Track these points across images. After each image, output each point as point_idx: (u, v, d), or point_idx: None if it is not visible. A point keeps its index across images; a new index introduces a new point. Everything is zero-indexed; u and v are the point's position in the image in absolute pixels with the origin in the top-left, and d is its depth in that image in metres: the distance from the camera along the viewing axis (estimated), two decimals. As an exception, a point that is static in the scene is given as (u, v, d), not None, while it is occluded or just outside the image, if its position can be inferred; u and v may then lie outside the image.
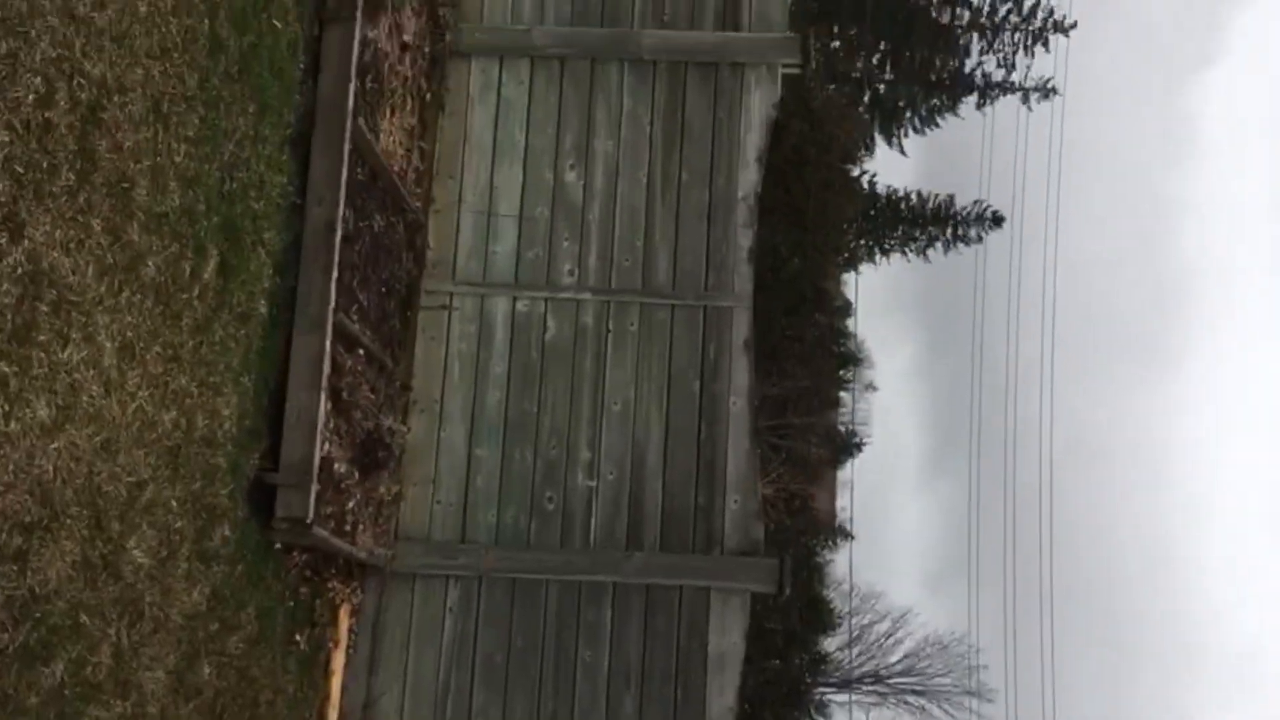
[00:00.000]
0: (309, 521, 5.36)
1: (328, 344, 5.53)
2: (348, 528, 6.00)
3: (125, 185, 3.97)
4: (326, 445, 5.66)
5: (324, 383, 5.51)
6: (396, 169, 6.64)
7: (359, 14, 5.82)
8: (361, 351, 6.18)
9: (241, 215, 4.92)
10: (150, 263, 4.18)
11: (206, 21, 4.49)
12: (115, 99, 3.86)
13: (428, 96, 7.08)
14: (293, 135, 5.44)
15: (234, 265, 4.87)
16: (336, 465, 5.83)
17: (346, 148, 5.71)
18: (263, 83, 5.06)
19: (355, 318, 6.07)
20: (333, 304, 5.57)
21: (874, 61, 29.67)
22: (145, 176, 4.09)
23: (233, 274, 4.86)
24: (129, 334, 4.08)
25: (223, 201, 4.74)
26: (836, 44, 28.64)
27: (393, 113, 6.64)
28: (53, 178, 3.56)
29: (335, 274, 5.61)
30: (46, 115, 3.50)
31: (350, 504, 6.02)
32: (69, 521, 3.77)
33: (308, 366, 5.51)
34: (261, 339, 5.18)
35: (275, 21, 5.17)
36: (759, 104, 7.19)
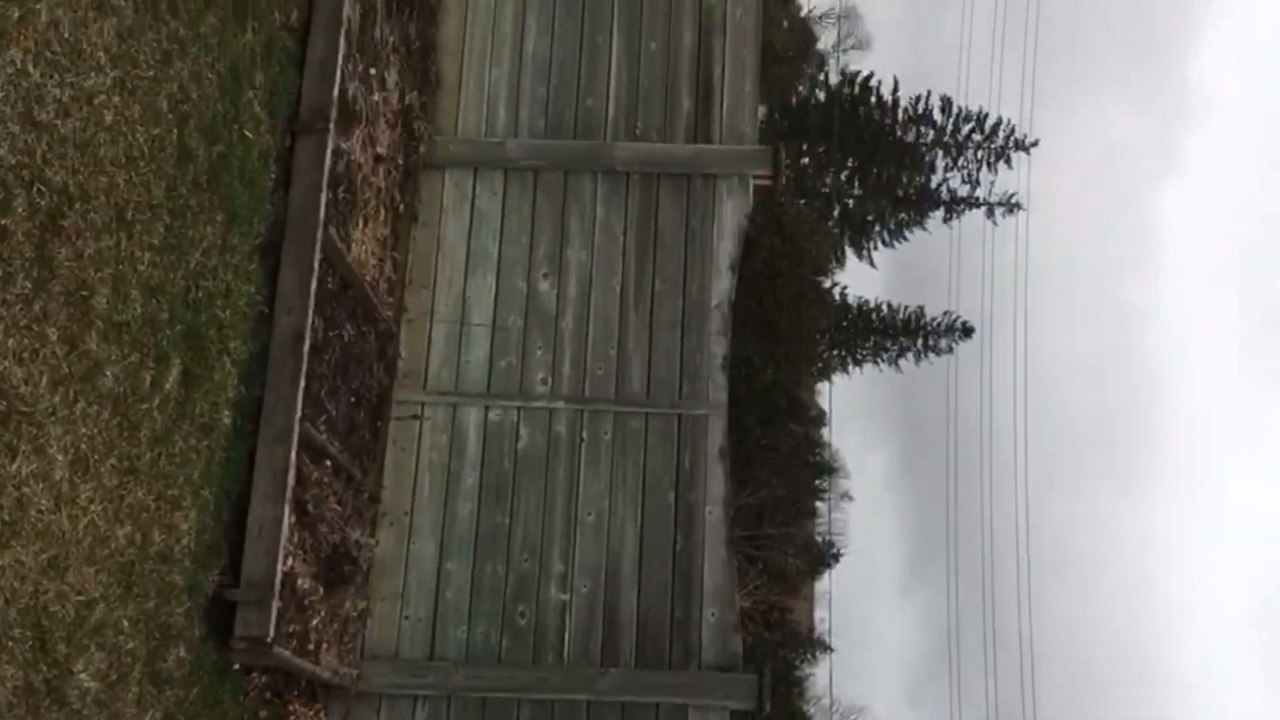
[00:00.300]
0: (269, 640, 5.15)
1: (293, 455, 5.40)
2: (311, 646, 5.78)
3: (84, 293, 3.89)
4: (290, 560, 5.48)
5: (288, 495, 5.36)
6: (368, 279, 6.60)
7: (331, 126, 5.84)
8: (329, 463, 6.05)
9: (207, 324, 4.83)
10: (108, 372, 4.08)
11: (175, 131, 4.46)
12: (77, 206, 3.80)
13: (401, 207, 7.09)
14: (262, 244, 5.39)
15: (197, 375, 4.76)
16: (300, 581, 5.64)
17: (317, 257, 5.67)
18: (232, 192, 5.03)
19: (323, 428, 5.94)
20: (299, 414, 5.45)
21: (842, 178, 30.32)
22: (106, 285, 4.01)
23: (196, 384, 4.75)
24: (83, 446, 3.94)
25: (187, 310, 4.66)
26: (806, 161, 29.28)
27: (365, 223, 6.63)
28: (7, 285, 3.47)
29: (303, 383, 5.50)
30: (3, 222, 3.43)
31: (314, 621, 5.81)
32: (11, 644, 3.59)
33: (272, 478, 5.37)
34: (224, 450, 5.05)
35: (247, 132, 5.17)
36: (731, 213, 7.24)
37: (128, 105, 4.09)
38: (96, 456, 4.05)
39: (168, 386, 4.51)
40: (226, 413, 5.05)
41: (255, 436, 5.33)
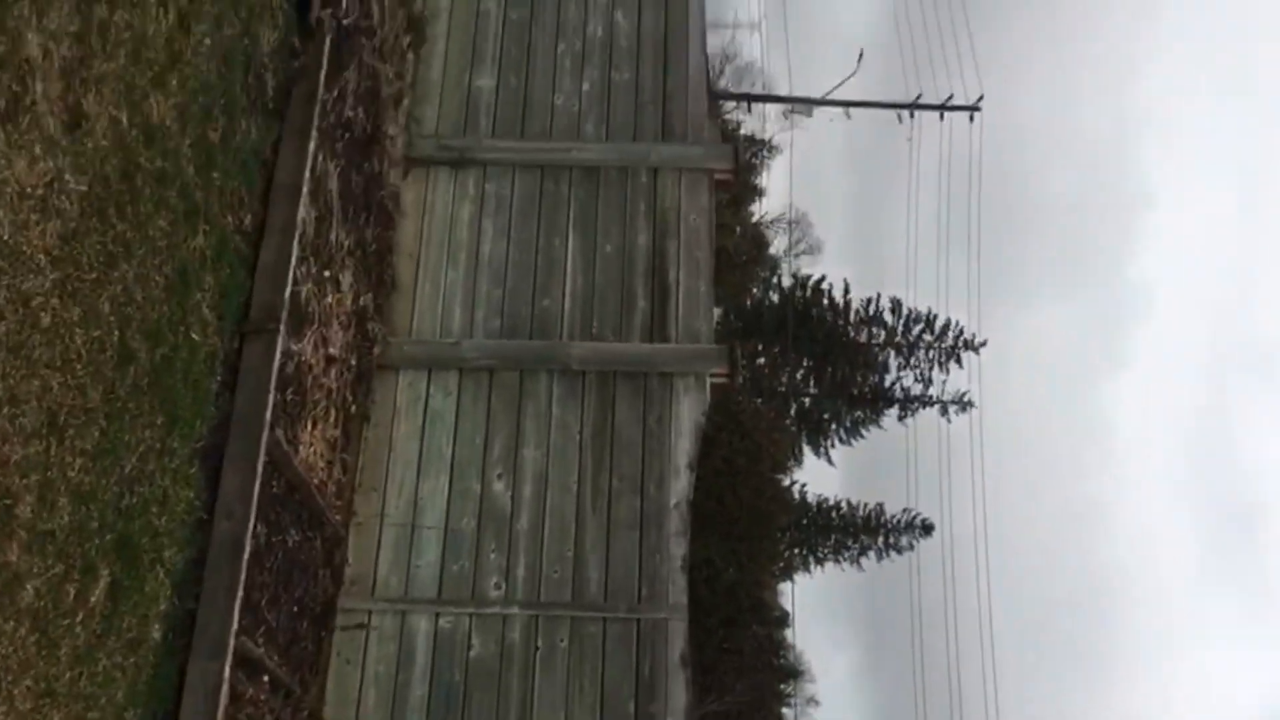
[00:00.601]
0: None
1: (226, 671, 5.07)
2: None
3: (8, 501, 3.68)
4: (219, 788, 5.07)
5: (220, 716, 5.00)
6: (317, 482, 6.41)
7: (282, 327, 5.77)
8: (266, 678, 5.69)
9: (140, 532, 4.59)
10: (29, 586, 3.82)
11: (117, 333, 4.35)
12: (5, 411, 3.64)
13: (353, 408, 6.97)
14: (204, 448, 5.21)
15: (127, 586, 4.49)
16: (229, 812, 5.20)
17: (261, 460, 5.49)
18: (174, 395, 4.89)
19: (261, 641, 5.62)
20: (235, 627, 5.15)
21: (798, 377, 30.74)
22: (32, 492, 3.81)
23: (124, 596, 4.48)
24: (-6, 667, 3.65)
25: (119, 518, 4.43)
26: (761, 361, 29.72)
27: (314, 425, 6.49)
28: (-78, 493, 3.28)
29: (240, 594, 5.22)
30: (-77, 427, 3.27)
31: None
32: None
33: (203, 698, 5.01)
34: (152, 668, 4.72)
35: (193, 334, 5.07)
36: (688, 412, 7.19)
37: (67, 307, 3.99)
38: (10, 678, 3.75)
39: (93, 600, 4.24)
40: (156, 626, 4.75)
41: (187, 651, 5.01)
